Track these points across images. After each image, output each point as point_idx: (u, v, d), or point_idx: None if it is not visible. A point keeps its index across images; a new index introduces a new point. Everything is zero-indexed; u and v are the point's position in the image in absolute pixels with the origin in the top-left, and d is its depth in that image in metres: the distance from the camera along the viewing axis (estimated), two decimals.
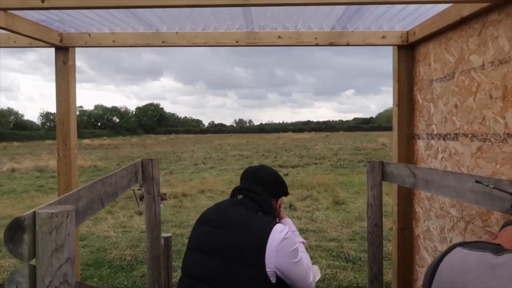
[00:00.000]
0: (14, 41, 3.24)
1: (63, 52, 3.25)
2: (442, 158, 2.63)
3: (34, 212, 1.09)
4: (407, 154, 3.12)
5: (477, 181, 1.56)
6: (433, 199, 2.76)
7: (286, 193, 1.94)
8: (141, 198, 10.13)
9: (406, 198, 3.13)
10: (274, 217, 1.80)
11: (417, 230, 3.05)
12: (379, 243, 2.49)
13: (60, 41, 3.18)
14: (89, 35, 3.21)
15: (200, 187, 11.74)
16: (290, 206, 8.87)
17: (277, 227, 1.60)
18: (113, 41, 3.20)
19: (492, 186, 1.48)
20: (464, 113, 2.34)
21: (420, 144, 2.98)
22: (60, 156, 3.25)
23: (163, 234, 2.92)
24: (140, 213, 8.80)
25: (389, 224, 5.58)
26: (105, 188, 1.71)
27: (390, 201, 5.80)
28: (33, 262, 1.09)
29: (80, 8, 2.11)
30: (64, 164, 3.25)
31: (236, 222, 1.63)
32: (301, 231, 6.95)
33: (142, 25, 3.08)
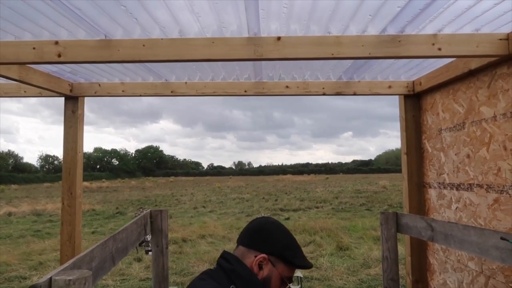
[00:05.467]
0: (25, 91, 3.28)
1: (73, 101, 3.28)
2: (456, 208, 2.58)
3: (50, 278, 1.03)
4: (418, 203, 3.07)
5: (502, 238, 1.51)
6: (449, 251, 2.68)
7: (277, 251, 1.28)
8: (140, 243, 9.88)
9: (420, 249, 3.05)
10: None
11: (433, 283, 2.94)
12: None
13: (70, 90, 3.22)
14: (99, 85, 3.26)
15: (200, 232, 11.51)
16: None
17: None
18: (123, 91, 3.24)
19: None
20: (477, 164, 2.32)
21: (432, 193, 2.94)
22: (65, 205, 3.19)
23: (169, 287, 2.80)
24: (139, 260, 8.56)
25: (401, 269, 5.42)
26: (116, 244, 1.65)
27: (401, 249, 5.67)
28: None
29: (95, 62, 2.15)
30: (68, 213, 3.18)
31: None
32: (306, 279, 6.73)
33: (152, 75, 3.13)
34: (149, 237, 9.08)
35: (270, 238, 1.30)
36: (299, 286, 2.96)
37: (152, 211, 2.42)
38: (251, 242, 1.30)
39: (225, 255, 1.30)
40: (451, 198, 2.66)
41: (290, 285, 2.91)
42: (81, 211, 3.33)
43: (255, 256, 1.26)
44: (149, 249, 9.29)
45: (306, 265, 1.34)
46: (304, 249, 9.30)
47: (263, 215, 8.03)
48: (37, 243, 10.57)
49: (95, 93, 3.24)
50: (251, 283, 1.22)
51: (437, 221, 2.01)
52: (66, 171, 3.24)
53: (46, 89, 2.96)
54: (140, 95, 3.22)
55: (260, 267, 1.26)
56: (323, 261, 8.00)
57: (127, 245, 1.84)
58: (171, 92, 3.21)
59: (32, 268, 7.91)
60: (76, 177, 3.21)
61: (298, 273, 3.19)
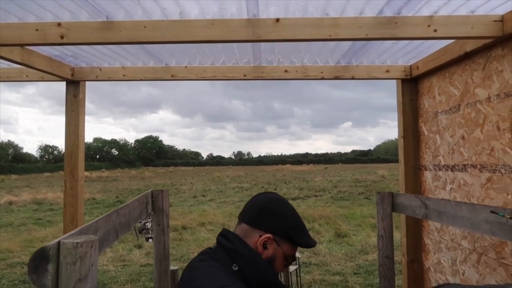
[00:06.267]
0: (27, 75, 3.31)
1: (74, 85, 3.32)
2: (451, 189, 2.64)
3: (59, 241, 1.09)
4: (415, 185, 3.13)
5: (492, 212, 1.57)
6: (443, 231, 2.75)
7: (283, 232, 1.25)
8: (140, 231, 9.98)
9: (415, 230, 3.12)
10: (257, 270, 1.18)
11: (427, 263, 3.01)
12: (391, 276, 2.45)
13: (72, 75, 3.26)
14: (100, 69, 3.29)
15: (200, 219, 11.62)
16: None
17: None
18: (123, 75, 3.28)
19: (508, 217, 1.48)
20: (471, 145, 2.37)
21: (428, 175, 3.00)
22: (67, 188, 3.25)
23: (170, 267, 2.87)
24: (139, 247, 8.66)
25: (397, 255, 5.52)
26: (119, 218, 1.70)
27: (398, 235, 5.75)
28: None
29: (97, 43, 2.18)
30: (70, 196, 3.24)
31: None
32: (304, 264, 6.84)
33: (153, 59, 3.17)
34: (149, 225, 9.13)
35: (276, 218, 1.25)
36: (297, 265, 3.03)
37: (153, 191, 2.47)
38: (255, 221, 1.25)
39: (224, 233, 1.27)
40: (446, 179, 2.71)
41: (290, 267, 2.95)
42: (83, 194, 3.39)
43: (260, 236, 1.22)
44: (149, 236, 9.40)
45: (311, 244, 1.29)
46: None
47: None
48: (38, 230, 10.67)
49: (96, 77, 3.28)
50: (253, 262, 1.18)
51: (431, 199, 2.07)
52: (68, 155, 3.29)
53: (48, 73, 2.99)
54: (141, 79, 3.26)
55: (265, 246, 1.22)
56: (321, 248, 8.10)
57: (130, 220, 1.90)
58: (171, 76, 3.24)
59: None
60: (78, 160, 3.26)
61: (296, 253, 3.27)
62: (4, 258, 7.77)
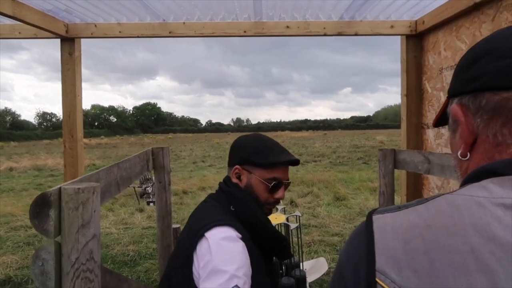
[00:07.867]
0: (19, 32, 3.21)
1: (69, 43, 3.22)
2: None
3: (60, 188, 1.07)
4: (416, 143, 3.11)
5: None
6: (444, 188, 2.75)
7: (245, 159, 1.35)
8: (141, 195, 10.09)
9: (415, 188, 3.12)
10: (248, 212, 1.29)
11: None
12: None
13: (66, 31, 3.15)
14: (95, 25, 3.18)
15: (200, 184, 11.72)
16: (291, 202, 8.87)
17: (215, 232, 1.14)
18: (120, 32, 3.17)
19: None
20: None
21: (430, 134, 2.98)
22: (67, 148, 3.22)
23: (172, 225, 2.90)
24: (141, 210, 8.76)
25: None
26: (120, 172, 1.69)
27: (397, 198, 5.81)
28: (58, 239, 1.07)
29: None
30: (70, 156, 3.22)
31: (186, 225, 1.33)
32: (303, 226, 6.94)
33: (149, 15, 3.06)
34: (150, 189, 9.16)
35: (237, 150, 1.40)
36: (297, 224, 3.06)
37: (154, 148, 2.45)
38: (229, 160, 1.43)
39: (225, 179, 1.42)
40: (448, 137, 2.69)
41: (290, 224, 2.96)
42: (83, 154, 3.37)
43: (233, 171, 1.39)
44: (150, 200, 9.52)
45: (278, 159, 1.33)
46: (301, 200, 9.44)
47: None
48: None
49: (91, 34, 3.17)
50: (246, 204, 1.30)
51: (434, 154, 2.06)
52: (66, 115, 3.24)
53: (41, 29, 2.89)
54: (138, 36, 3.16)
55: (239, 177, 1.38)
56: (320, 210, 8.21)
57: (131, 175, 1.88)
58: (169, 33, 3.14)
59: None
60: (76, 119, 3.22)
61: (297, 212, 3.28)
62: (8, 221, 7.87)
